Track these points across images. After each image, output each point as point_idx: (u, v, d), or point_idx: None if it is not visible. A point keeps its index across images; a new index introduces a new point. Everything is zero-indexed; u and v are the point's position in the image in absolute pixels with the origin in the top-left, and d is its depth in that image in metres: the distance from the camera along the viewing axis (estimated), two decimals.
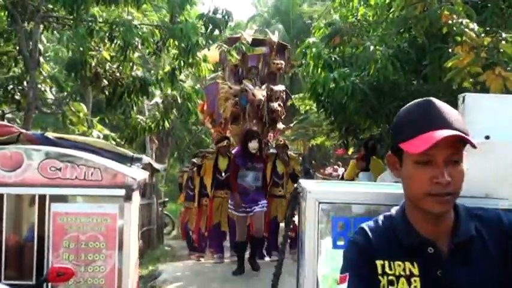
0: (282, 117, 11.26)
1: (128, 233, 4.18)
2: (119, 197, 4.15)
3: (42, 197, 4.22)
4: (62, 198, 4.22)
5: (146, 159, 4.72)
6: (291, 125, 12.42)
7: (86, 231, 4.20)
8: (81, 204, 4.23)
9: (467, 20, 7.24)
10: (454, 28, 7.38)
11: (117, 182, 4.16)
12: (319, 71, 9.64)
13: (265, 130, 10.75)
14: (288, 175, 10.45)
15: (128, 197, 4.14)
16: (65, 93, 10.46)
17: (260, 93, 10.45)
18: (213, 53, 9.42)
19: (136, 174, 4.37)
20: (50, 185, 4.17)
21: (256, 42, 11.32)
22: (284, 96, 11.20)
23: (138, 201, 4.63)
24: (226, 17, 8.47)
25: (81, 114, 9.92)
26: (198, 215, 10.91)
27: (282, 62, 11.36)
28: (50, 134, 4.64)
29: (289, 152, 10.88)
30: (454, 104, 7.60)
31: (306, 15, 24.50)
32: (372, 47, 8.47)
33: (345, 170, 13.70)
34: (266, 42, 11.54)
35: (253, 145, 8.76)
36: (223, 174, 10.28)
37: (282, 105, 10.85)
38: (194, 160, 11.59)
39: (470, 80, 7.10)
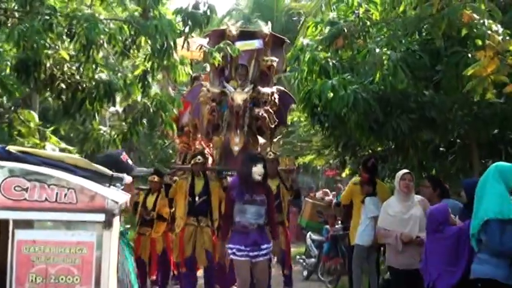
0: (272, 126, 10.91)
1: (107, 266, 4.17)
2: (97, 223, 4.14)
3: (4, 222, 4.20)
4: (29, 224, 4.20)
5: (128, 178, 4.73)
6: (275, 140, 12.40)
7: (56, 263, 4.18)
8: (51, 232, 4.21)
9: (490, 21, 7.40)
10: (475, 30, 7.54)
11: (96, 205, 4.15)
12: (314, 78, 9.74)
13: (249, 143, 10.58)
14: (290, 197, 10.57)
15: (108, 224, 4.13)
16: (4, 98, 10.37)
17: (240, 97, 10.30)
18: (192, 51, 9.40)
19: (118, 196, 4.38)
20: (14, 208, 4.14)
21: (245, 36, 11.19)
22: (276, 100, 10.90)
23: (119, 229, 4.63)
24: (208, 12, 8.50)
25: (31, 124, 9.86)
26: (180, 243, 10.78)
27: (274, 58, 11.06)
28: (13, 148, 4.62)
29: (279, 168, 10.87)
30: (476, 123, 7.70)
31: (293, 11, 24.75)
32: (377, 50, 8.57)
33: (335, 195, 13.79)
34: (257, 35, 11.29)
35: (258, 170, 8.18)
36: (197, 198, 10.26)
37: (270, 111, 10.62)
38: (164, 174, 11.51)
39: (494, 91, 7.26)
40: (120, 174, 4.63)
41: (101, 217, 4.14)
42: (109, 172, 4.61)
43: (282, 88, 11.65)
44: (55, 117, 15.48)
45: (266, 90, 10.76)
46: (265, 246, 8.29)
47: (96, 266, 4.17)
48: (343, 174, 16.29)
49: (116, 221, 4.38)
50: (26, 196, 4.15)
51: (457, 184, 9.75)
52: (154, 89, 10.04)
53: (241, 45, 10.71)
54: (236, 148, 10.33)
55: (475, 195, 6.32)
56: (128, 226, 15.99)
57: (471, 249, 6.49)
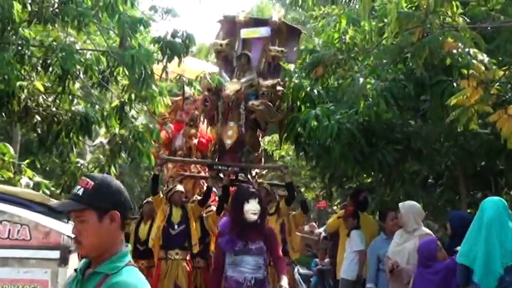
0: (270, 120, 10.12)
1: None
2: (52, 260, 4.07)
3: None
4: None
5: None
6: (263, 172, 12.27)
7: None
8: (3, 269, 4.14)
9: (475, 50, 7.36)
10: (460, 59, 7.50)
11: (50, 242, 4.08)
12: (298, 105, 9.68)
13: (245, 137, 9.98)
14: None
15: (63, 261, 4.06)
16: None
17: (232, 87, 9.77)
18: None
19: None
20: None
21: (258, 23, 10.80)
22: (280, 92, 10.14)
23: (76, 266, 4.53)
24: (187, 41, 8.48)
25: (6, 157, 9.76)
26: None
27: (278, 49, 10.37)
28: None
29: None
30: (462, 154, 7.61)
31: None
32: (361, 80, 8.51)
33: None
34: (268, 22, 10.73)
35: (252, 208, 6.76)
36: (176, 227, 9.96)
37: (269, 103, 9.88)
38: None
39: (480, 121, 7.21)
40: None
41: (56, 254, 4.07)
42: None
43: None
44: (39, 149, 15.42)
45: (266, 81, 10.14)
46: None
47: None
48: (334, 207, 16.22)
49: (73, 258, 4.29)
50: None
51: (444, 217, 9.65)
52: (141, 119, 9.89)
53: (247, 32, 10.42)
54: (228, 141, 9.90)
55: (490, 226, 6.16)
56: None
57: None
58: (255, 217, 6.73)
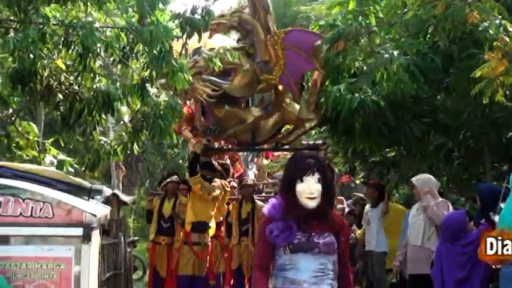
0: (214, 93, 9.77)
1: (86, 282, 4.11)
2: (75, 237, 4.09)
3: None
4: (3, 240, 4.15)
5: (107, 190, 4.65)
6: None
7: (33, 280, 4.12)
8: (27, 247, 4.16)
9: (505, 21, 7.26)
10: (490, 31, 7.40)
11: (73, 219, 4.09)
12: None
13: (215, 115, 10.02)
14: None
15: (86, 238, 4.07)
16: (10, 111, 10.35)
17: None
18: None
19: (96, 209, 4.31)
20: None
21: None
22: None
23: (99, 243, 4.55)
24: (206, 17, 8.40)
25: (30, 136, 9.82)
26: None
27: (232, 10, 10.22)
28: None
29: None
30: (487, 126, 7.51)
31: (302, 16, 24.47)
32: (386, 55, 8.35)
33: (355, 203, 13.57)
34: None
35: (307, 189, 4.26)
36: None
37: (208, 78, 9.60)
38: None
39: (507, 92, 7.11)
40: (99, 186, 4.58)
41: (79, 231, 4.08)
42: (88, 184, 4.55)
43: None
44: (62, 127, 15.52)
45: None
46: None
47: (75, 282, 4.10)
48: (357, 181, 16.17)
49: (95, 235, 4.30)
50: (0, 211, 4.10)
51: (469, 190, 9.60)
52: (163, 97, 9.84)
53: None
54: (198, 122, 10.29)
55: None
56: (136, 238, 16.00)
57: None
58: (313, 203, 4.26)
